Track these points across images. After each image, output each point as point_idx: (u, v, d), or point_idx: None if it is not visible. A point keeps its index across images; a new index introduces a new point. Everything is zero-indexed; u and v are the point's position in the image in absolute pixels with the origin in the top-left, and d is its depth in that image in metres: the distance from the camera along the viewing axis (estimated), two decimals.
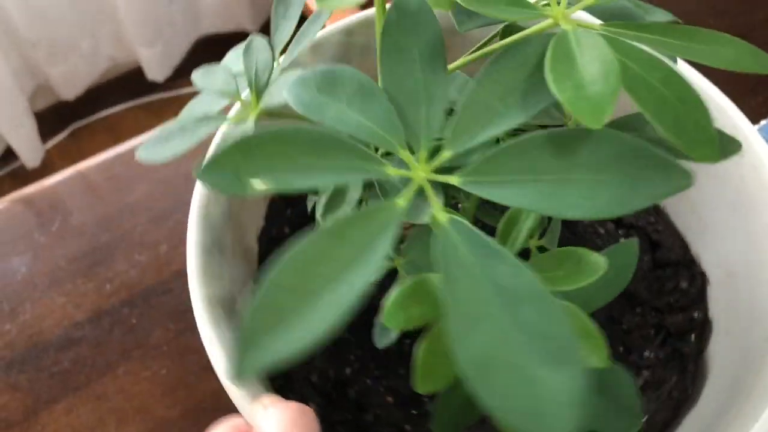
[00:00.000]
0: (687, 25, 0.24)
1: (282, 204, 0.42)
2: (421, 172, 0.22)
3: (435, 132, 0.23)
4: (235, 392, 0.27)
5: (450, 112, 0.24)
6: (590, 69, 0.21)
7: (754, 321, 0.31)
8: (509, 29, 0.29)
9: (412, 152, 0.23)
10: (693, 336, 0.36)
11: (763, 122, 0.49)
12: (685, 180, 0.19)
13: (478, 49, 0.30)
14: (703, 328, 0.35)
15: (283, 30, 0.30)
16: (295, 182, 0.20)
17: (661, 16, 0.29)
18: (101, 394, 0.44)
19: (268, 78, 0.28)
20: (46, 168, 1.47)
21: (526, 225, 0.26)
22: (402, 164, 0.22)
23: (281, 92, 0.27)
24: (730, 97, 0.34)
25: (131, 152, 0.56)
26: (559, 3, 0.24)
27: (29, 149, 1.38)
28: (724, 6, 0.64)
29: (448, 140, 0.22)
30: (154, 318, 0.47)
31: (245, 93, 0.29)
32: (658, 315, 0.37)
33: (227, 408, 0.27)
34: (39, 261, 0.49)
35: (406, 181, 0.22)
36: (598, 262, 0.24)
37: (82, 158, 0.56)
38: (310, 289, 0.18)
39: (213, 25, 1.47)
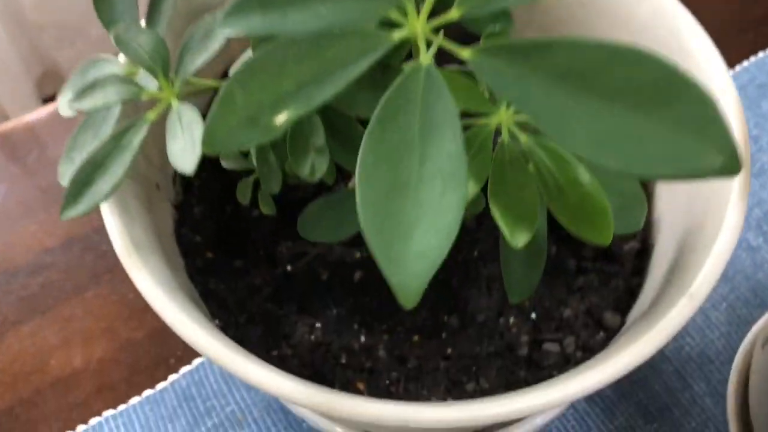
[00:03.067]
0: None
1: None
2: (418, 25, 0.19)
3: None
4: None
5: None
6: None
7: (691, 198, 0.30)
8: None
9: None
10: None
11: (751, 59, 0.49)
12: None
13: None
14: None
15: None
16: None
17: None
18: (69, 317, 0.45)
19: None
20: None
21: None
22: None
23: (207, 43, 0.26)
24: (717, 37, 0.32)
25: None
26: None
27: None
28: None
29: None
30: None
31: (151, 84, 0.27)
32: None
33: None
34: (13, 192, 0.49)
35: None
36: None
37: None
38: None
39: None
